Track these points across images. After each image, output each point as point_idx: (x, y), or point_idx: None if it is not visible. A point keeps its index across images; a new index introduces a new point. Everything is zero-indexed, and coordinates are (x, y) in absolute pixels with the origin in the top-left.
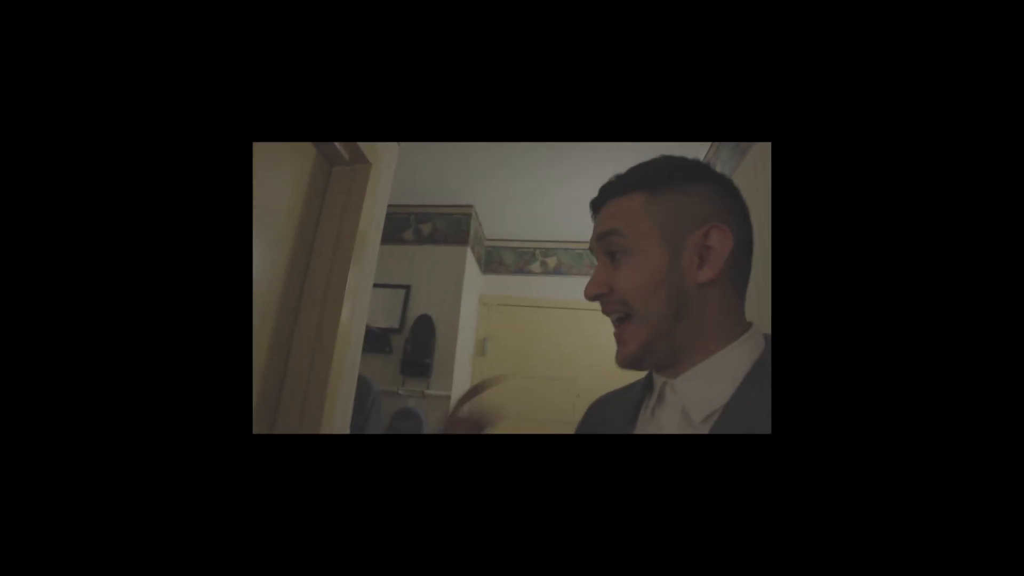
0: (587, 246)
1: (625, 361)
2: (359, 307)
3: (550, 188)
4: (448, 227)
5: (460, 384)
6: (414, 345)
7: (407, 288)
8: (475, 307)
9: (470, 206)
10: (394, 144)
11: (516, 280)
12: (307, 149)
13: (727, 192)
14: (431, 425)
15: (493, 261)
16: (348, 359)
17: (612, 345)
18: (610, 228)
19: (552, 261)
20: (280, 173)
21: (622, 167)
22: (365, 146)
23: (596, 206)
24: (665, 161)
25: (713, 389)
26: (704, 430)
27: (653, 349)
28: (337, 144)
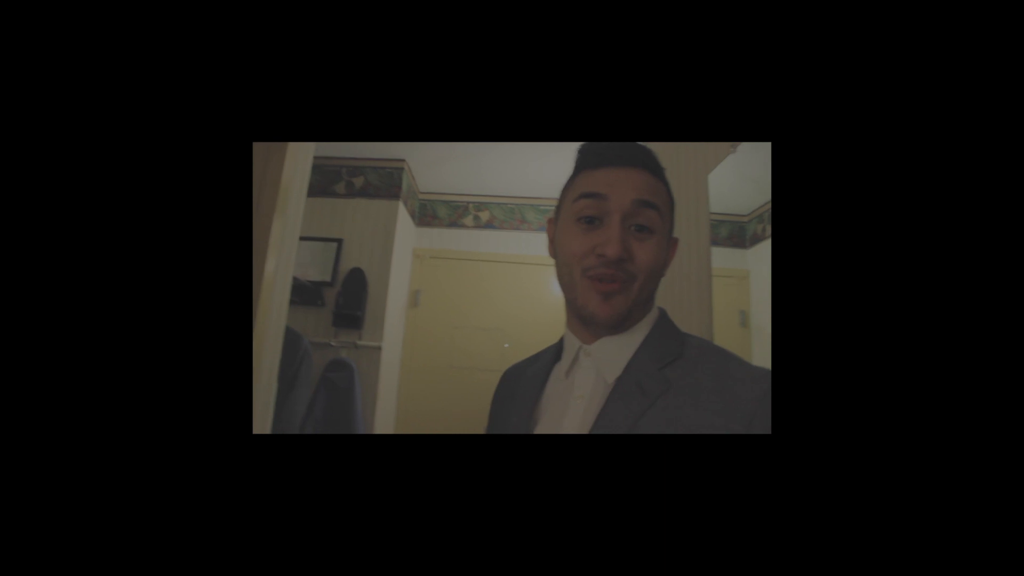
0: (517, 201)
1: (608, 319)
2: (285, 259)
3: (484, 145)
4: (380, 181)
5: (391, 335)
6: (346, 298)
7: (339, 242)
8: (408, 260)
9: (402, 160)
10: None
11: (449, 233)
12: None
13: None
14: (362, 374)
15: (427, 214)
16: (274, 310)
17: (540, 296)
18: (654, 200)
19: (484, 215)
20: None
21: None
22: None
23: (615, 160)
24: (642, 147)
25: (621, 354)
26: (609, 390)
27: (627, 318)
28: None
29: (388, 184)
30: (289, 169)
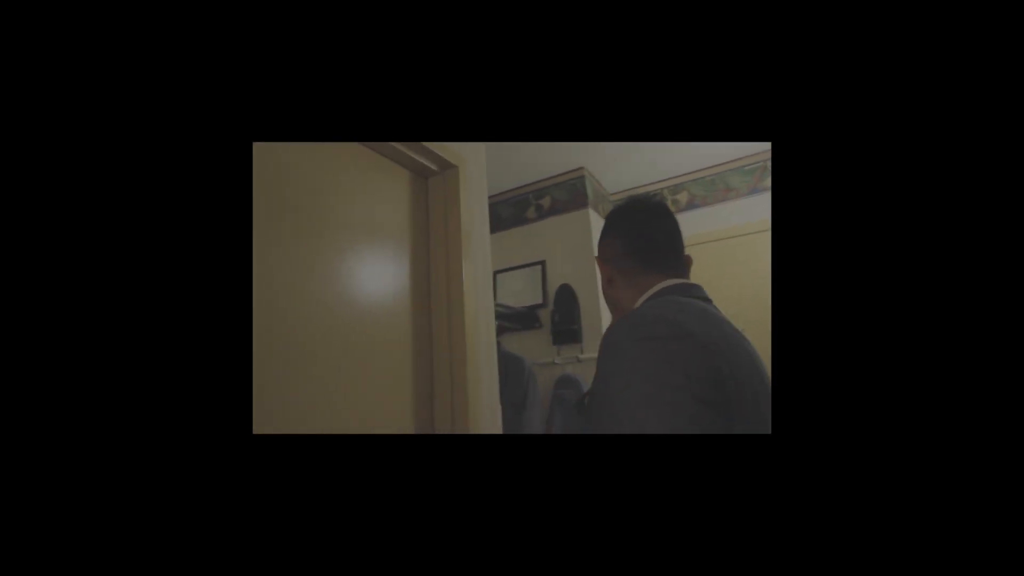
0: (716, 171)
1: None
2: (482, 294)
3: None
4: (565, 195)
5: None
6: (560, 315)
7: (542, 263)
8: None
9: (581, 168)
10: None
11: None
12: (398, 171)
13: (608, 227)
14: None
15: None
16: (482, 344)
17: (764, 268)
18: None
19: (683, 197)
20: (383, 197)
21: None
22: (448, 153)
23: None
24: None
25: None
26: None
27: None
28: (419, 159)
29: (574, 195)
30: (467, 215)
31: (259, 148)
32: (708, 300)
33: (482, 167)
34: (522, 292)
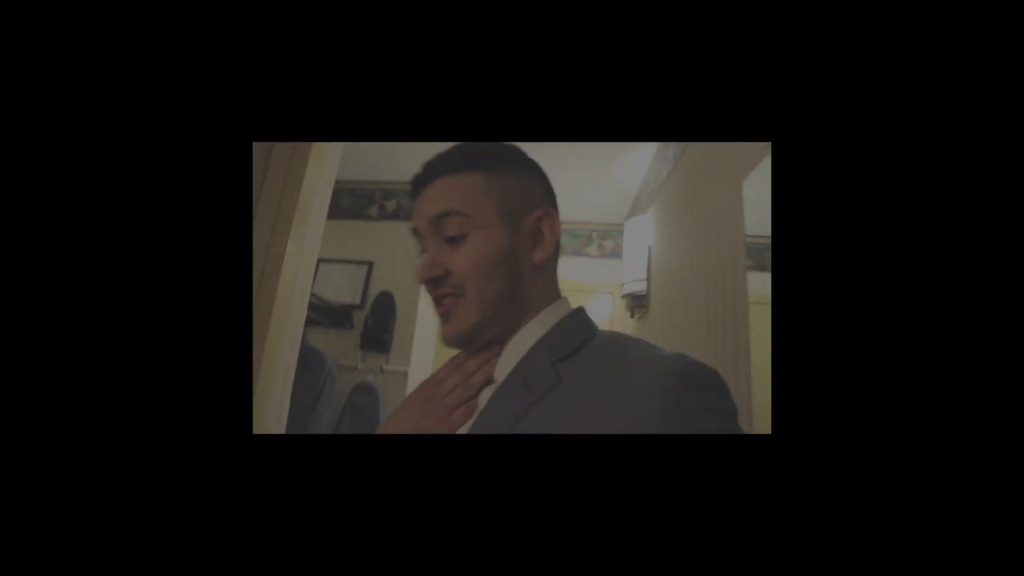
0: (566, 227)
1: (453, 339)
2: (301, 280)
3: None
4: (413, 204)
5: (419, 361)
6: (374, 321)
7: (370, 265)
8: None
9: None
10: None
11: None
12: None
13: (546, 181)
14: (388, 399)
15: None
16: (288, 332)
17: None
18: (449, 208)
19: None
20: None
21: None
22: None
23: (421, 183)
24: (489, 146)
25: (515, 354)
26: (494, 389)
27: (484, 328)
28: None
29: None
30: (308, 193)
31: None
32: None
33: (338, 150)
34: (340, 288)
